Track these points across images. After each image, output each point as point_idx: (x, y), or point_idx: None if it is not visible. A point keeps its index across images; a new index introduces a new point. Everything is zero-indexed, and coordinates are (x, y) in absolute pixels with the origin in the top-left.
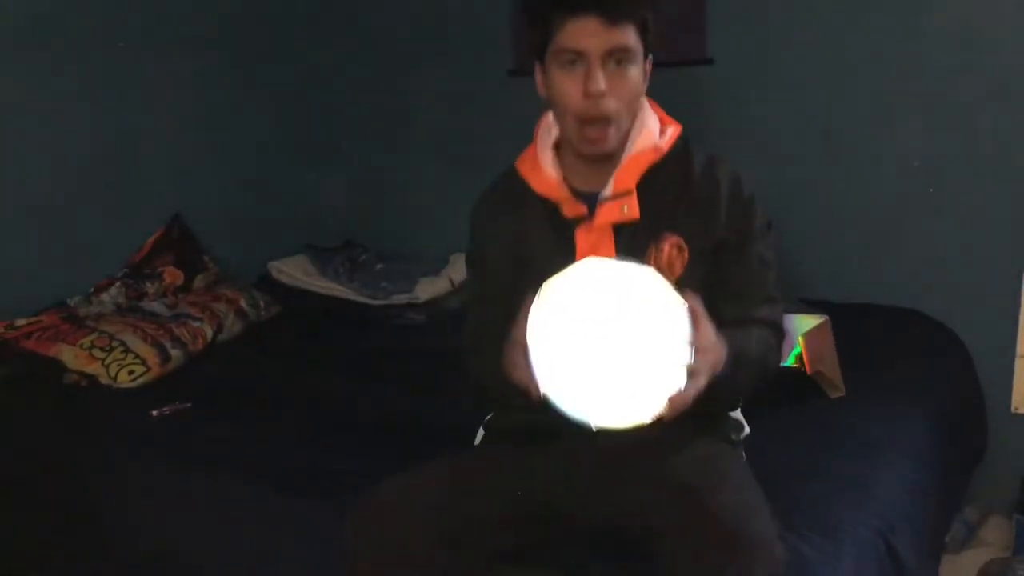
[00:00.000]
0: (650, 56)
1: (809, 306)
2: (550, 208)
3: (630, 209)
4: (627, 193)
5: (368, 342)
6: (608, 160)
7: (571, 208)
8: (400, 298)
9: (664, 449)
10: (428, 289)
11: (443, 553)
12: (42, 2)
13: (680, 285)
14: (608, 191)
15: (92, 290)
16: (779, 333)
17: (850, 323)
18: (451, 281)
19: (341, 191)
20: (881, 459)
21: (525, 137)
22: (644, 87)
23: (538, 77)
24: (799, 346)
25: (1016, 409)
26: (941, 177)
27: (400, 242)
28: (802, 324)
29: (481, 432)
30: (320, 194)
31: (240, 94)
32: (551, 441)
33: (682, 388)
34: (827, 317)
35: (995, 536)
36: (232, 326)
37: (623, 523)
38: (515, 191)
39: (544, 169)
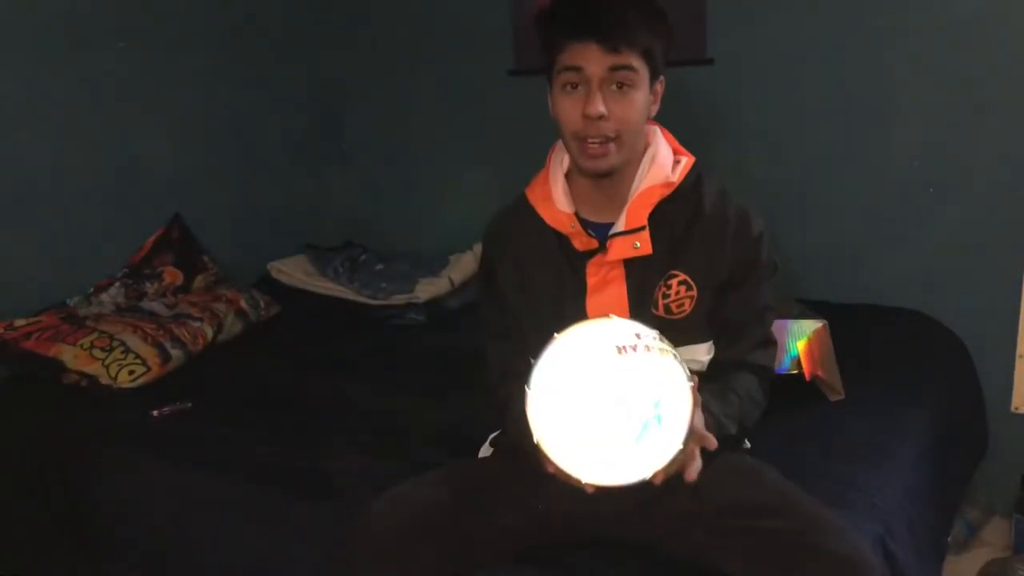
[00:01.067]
0: (661, 77)
1: (808, 307)
2: (562, 239)
3: (643, 245)
4: (639, 229)
5: (368, 342)
6: (618, 188)
7: (582, 242)
8: (400, 298)
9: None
10: (428, 289)
11: (445, 568)
12: (42, 2)
13: (689, 323)
14: (620, 226)
15: (92, 290)
16: (768, 376)
17: (850, 323)
18: (451, 281)
19: (341, 191)
20: (880, 461)
21: (525, 137)
22: (653, 109)
23: (550, 100)
24: (797, 350)
25: (1016, 409)
26: (941, 177)
27: (400, 242)
28: (800, 330)
29: (488, 448)
30: (320, 194)
31: (240, 94)
32: None
33: (676, 462)
34: (825, 321)
35: (995, 536)
36: (232, 326)
37: (669, 550)
38: (526, 219)
39: (556, 200)
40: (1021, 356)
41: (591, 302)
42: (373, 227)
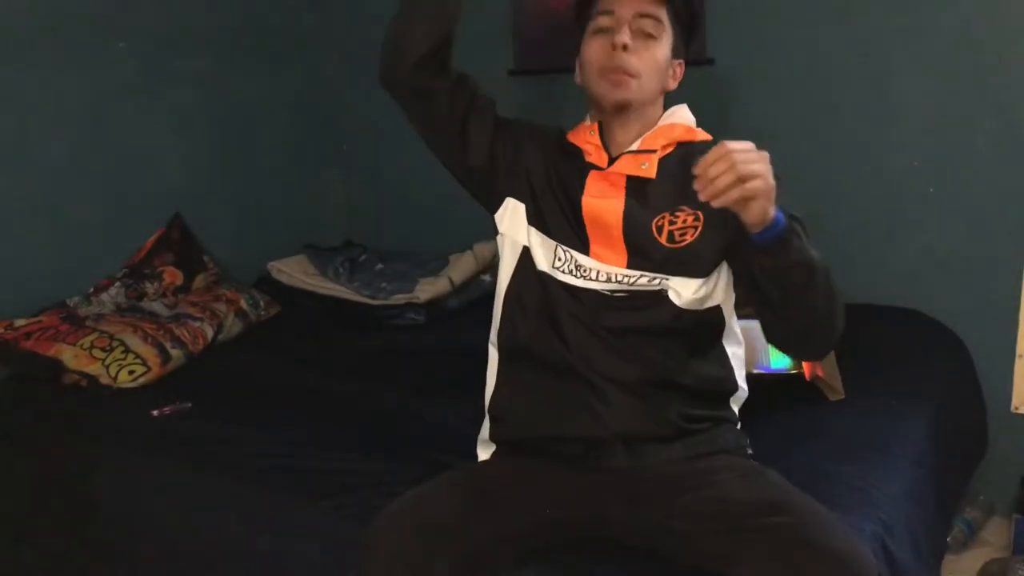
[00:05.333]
0: (681, 60)
1: None
2: (577, 153)
3: (649, 167)
4: (650, 151)
5: (368, 342)
6: (640, 130)
7: (595, 156)
8: (400, 298)
9: (699, 474)
10: (428, 289)
11: (458, 573)
12: (43, 2)
13: (695, 251)
14: (633, 146)
15: (92, 290)
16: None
17: (850, 323)
18: (451, 281)
19: (341, 191)
20: (880, 461)
21: None
22: (671, 83)
23: (577, 67)
24: None
25: (1016, 409)
26: (941, 177)
27: (400, 242)
28: None
29: (492, 447)
30: (320, 194)
31: (240, 94)
32: (571, 462)
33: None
34: None
35: (995, 536)
36: (232, 326)
37: (671, 550)
38: (556, 135)
39: (583, 125)
40: (1021, 356)
41: (587, 202)
42: (373, 227)
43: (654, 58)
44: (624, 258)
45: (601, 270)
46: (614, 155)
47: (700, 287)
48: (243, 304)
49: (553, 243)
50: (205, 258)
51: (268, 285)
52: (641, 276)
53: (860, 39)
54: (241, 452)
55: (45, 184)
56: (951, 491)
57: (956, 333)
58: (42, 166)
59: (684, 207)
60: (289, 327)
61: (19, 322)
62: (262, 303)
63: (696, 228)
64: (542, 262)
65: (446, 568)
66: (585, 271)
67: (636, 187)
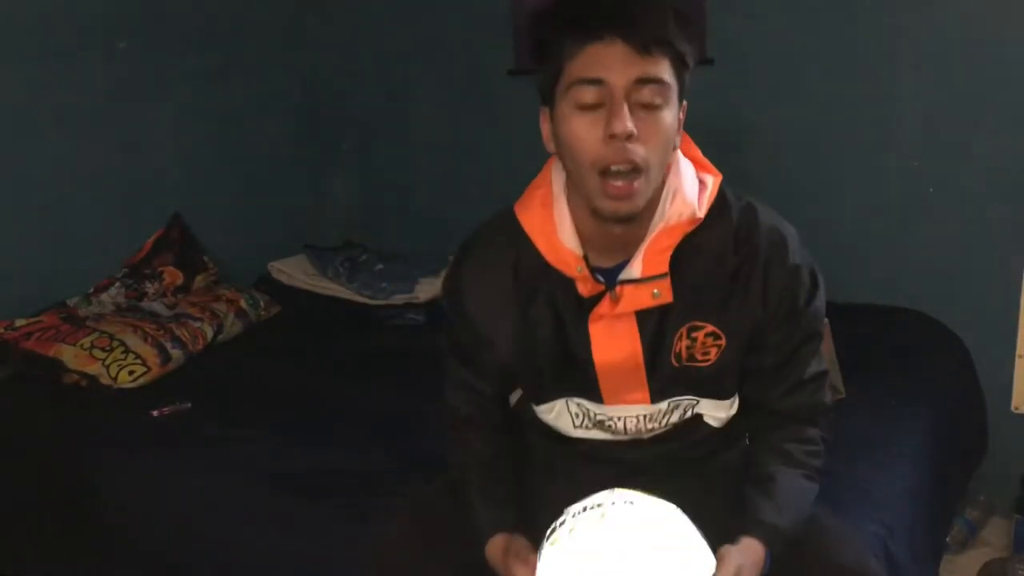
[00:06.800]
0: (685, 102)
1: None
2: (561, 281)
3: (663, 293)
4: (660, 276)
5: (368, 342)
6: (632, 228)
7: (588, 287)
8: (400, 298)
9: (708, 479)
10: (428, 289)
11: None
12: (43, 2)
13: (713, 372)
14: (636, 271)
15: (92, 290)
16: (827, 447)
17: (850, 323)
18: None
19: (341, 191)
20: (880, 461)
21: (525, 137)
22: (677, 140)
23: (544, 126)
24: None
25: (1016, 409)
26: (941, 177)
27: (400, 242)
28: None
29: None
30: (320, 194)
31: (240, 94)
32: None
33: None
34: (825, 320)
35: (995, 536)
36: (232, 326)
37: None
38: (511, 250)
39: (561, 236)
40: (1021, 356)
41: (599, 358)
42: (373, 227)
43: (662, 131)
44: (646, 394)
45: (628, 416)
46: (599, 265)
47: (732, 405)
48: (243, 304)
49: (561, 401)
50: (205, 258)
51: (268, 285)
52: (671, 407)
53: (860, 39)
54: (241, 452)
55: (45, 184)
56: (951, 491)
57: (956, 333)
58: (42, 166)
59: (699, 323)
60: (289, 327)
61: (19, 322)
62: (262, 303)
63: (719, 347)
64: (561, 429)
65: (447, 571)
66: (610, 424)
67: (649, 318)
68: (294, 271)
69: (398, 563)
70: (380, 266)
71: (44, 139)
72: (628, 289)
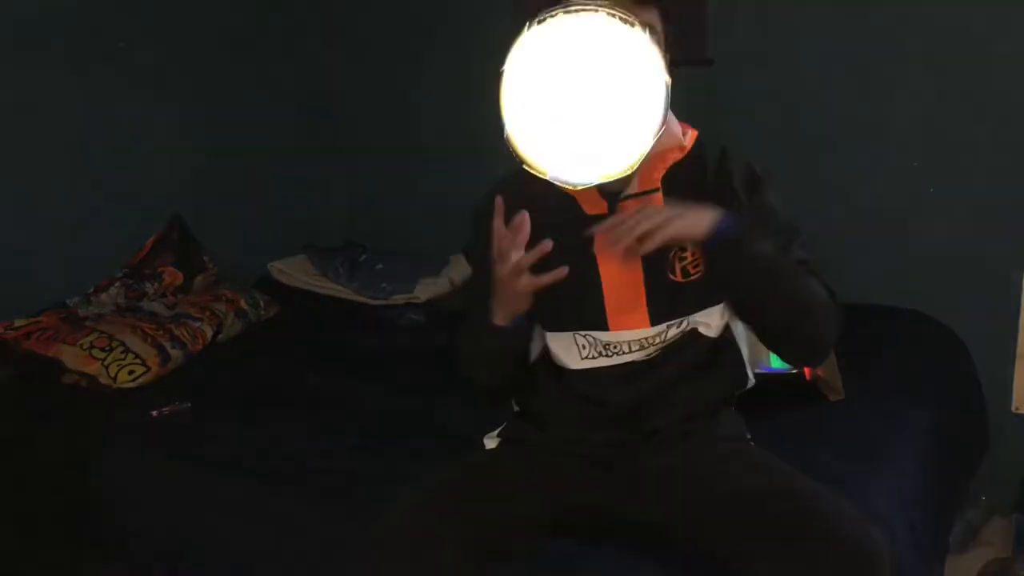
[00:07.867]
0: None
1: None
2: (567, 204)
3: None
4: (654, 190)
5: (368, 342)
6: None
7: (592, 205)
8: (400, 298)
9: (704, 459)
10: (428, 289)
11: (468, 559)
12: (42, 2)
13: (706, 283)
14: (633, 187)
15: (92, 290)
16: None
17: (850, 323)
18: (451, 281)
19: (341, 191)
20: (881, 461)
21: None
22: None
23: None
24: None
25: (1016, 409)
26: (941, 177)
27: (400, 242)
28: None
29: (496, 439)
30: (320, 194)
31: (240, 94)
32: (582, 455)
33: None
34: None
35: (995, 536)
36: (232, 326)
37: (678, 538)
38: (526, 186)
39: None
40: (1021, 356)
41: (605, 269)
42: (373, 227)
43: None
44: (646, 316)
45: (631, 340)
46: (602, 186)
47: (724, 312)
48: (243, 304)
49: (569, 335)
50: (205, 258)
51: (268, 285)
52: (668, 328)
53: (860, 39)
54: (241, 452)
55: (45, 184)
56: (952, 491)
57: (956, 333)
58: (42, 166)
59: None
60: (289, 327)
61: (19, 322)
62: (262, 303)
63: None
64: (568, 362)
65: (456, 553)
66: (615, 348)
67: None
68: (294, 271)
69: (399, 548)
70: (380, 266)
71: (44, 139)
72: (628, 204)
